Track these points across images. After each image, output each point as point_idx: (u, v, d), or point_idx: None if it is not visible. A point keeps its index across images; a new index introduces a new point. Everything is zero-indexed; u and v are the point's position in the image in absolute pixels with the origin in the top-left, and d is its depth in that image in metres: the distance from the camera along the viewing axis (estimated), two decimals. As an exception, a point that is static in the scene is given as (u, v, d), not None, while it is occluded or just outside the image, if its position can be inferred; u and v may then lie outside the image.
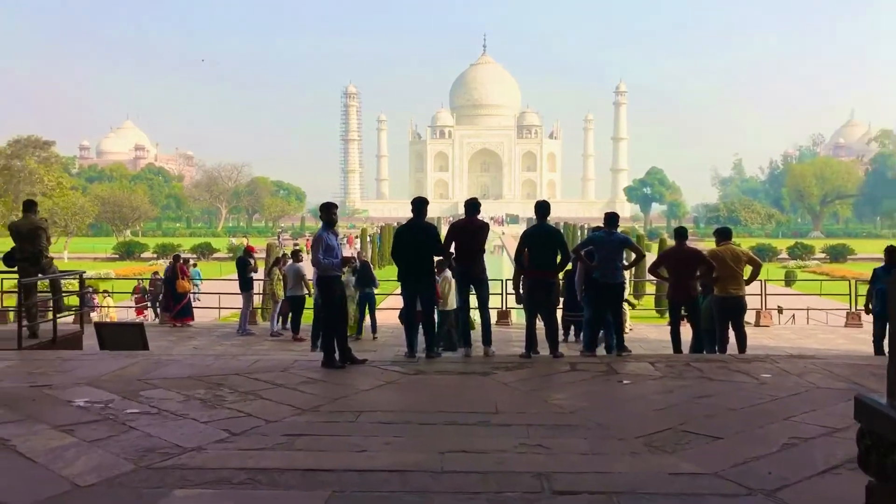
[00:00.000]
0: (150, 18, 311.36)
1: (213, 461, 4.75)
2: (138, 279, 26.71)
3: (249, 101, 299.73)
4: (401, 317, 9.68)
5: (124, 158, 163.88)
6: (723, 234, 10.55)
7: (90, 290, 23.30)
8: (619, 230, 9.64)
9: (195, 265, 33.94)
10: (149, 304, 23.08)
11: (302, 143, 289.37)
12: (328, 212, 8.58)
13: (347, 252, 12.16)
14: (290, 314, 15.73)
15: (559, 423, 5.79)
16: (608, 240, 9.28)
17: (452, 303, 12.22)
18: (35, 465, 4.62)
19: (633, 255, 10.35)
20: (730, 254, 10.08)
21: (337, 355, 8.23)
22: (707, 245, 11.03)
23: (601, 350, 9.87)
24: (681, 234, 10.30)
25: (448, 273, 11.77)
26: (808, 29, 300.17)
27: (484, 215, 9.36)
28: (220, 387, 6.94)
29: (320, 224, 8.70)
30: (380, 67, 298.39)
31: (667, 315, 19.97)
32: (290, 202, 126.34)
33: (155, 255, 53.72)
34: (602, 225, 9.74)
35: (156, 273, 25.95)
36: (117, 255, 58.00)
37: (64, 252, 60.16)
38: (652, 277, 17.57)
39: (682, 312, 10.08)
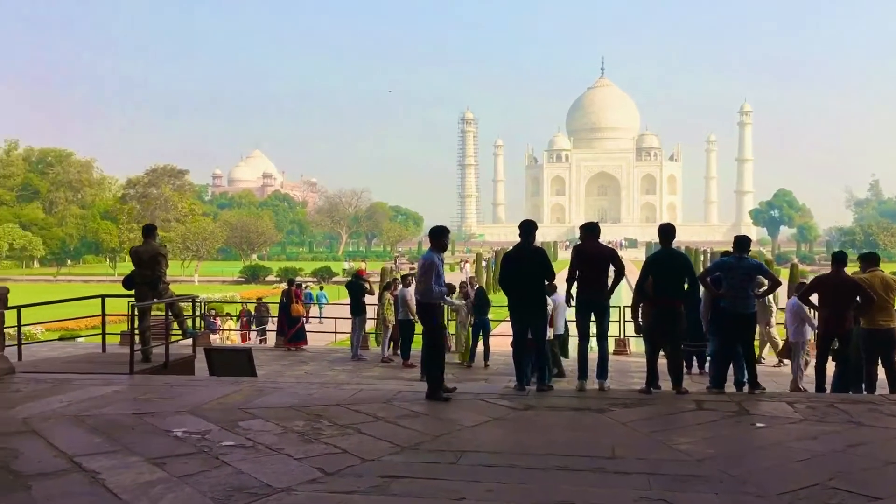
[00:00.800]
0: (277, 54, 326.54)
1: (300, 505, 4.41)
2: (243, 303, 27.33)
3: (370, 128, 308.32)
4: (513, 344, 9.20)
5: (253, 186, 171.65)
6: (869, 260, 9.47)
7: (212, 312, 24.03)
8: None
9: (321, 288, 34.82)
10: (265, 328, 23.43)
11: (420, 169, 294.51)
12: (444, 237, 8.20)
13: (462, 277, 11.79)
14: (401, 340, 15.50)
15: (685, 474, 5.12)
16: (738, 265, 8.44)
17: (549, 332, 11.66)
18: (119, 503, 4.41)
19: (767, 283, 9.41)
20: (879, 281, 9.03)
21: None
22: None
23: (729, 386, 9.00)
24: (839, 259, 9.18)
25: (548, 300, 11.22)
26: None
27: (601, 239, 8.74)
28: (319, 419, 6.65)
29: (428, 248, 8.29)
30: (497, 93, 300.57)
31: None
32: (407, 227, 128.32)
33: (278, 279, 55.32)
34: (731, 249, 8.92)
35: (260, 298, 26.44)
36: (243, 279, 60.19)
37: (195, 275, 63.09)
38: (782, 306, 16.30)
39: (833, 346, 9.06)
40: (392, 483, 4.84)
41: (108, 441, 5.81)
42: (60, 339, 21.12)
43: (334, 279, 55.04)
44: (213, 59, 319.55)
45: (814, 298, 9.42)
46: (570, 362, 13.20)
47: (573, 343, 13.73)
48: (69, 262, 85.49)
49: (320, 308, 27.92)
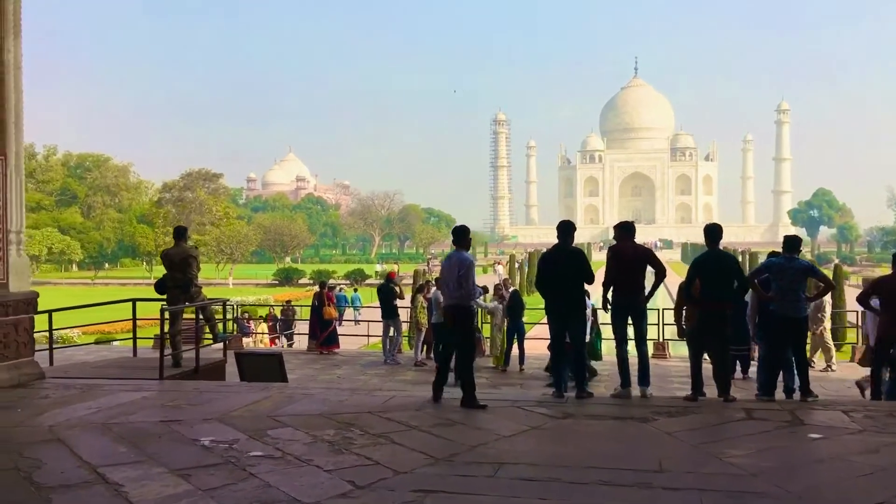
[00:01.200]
0: (313, 59, 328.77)
1: (330, 522, 4.16)
2: (269, 307, 27.20)
3: (402, 130, 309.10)
4: (551, 348, 8.90)
5: (286, 189, 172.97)
6: (927, 260, 8.95)
7: (246, 315, 23.98)
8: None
9: (355, 290, 34.74)
10: (292, 332, 23.29)
11: (452, 171, 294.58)
12: (469, 235, 8.00)
13: (495, 279, 11.53)
14: (434, 343, 15.24)
15: (739, 490, 4.78)
16: (788, 267, 8.03)
17: None
18: (140, 518, 4.21)
19: (820, 285, 8.95)
20: (938, 283, 8.52)
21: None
22: (885, 272, 9.48)
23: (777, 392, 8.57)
24: None
25: None
26: None
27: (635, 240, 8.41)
28: (350, 427, 6.41)
29: (455, 248, 8.03)
30: (529, 94, 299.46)
31: (844, 350, 17.96)
32: (440, 229, 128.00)
33: (311, 281, 55.35)
34: (780, 250, 8.52)
35: (288, 301, 26.32)
36: (277, 282, 60.39)
37: (229, 278, 63.48)
38: (829, 310, 15.74)
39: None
40: (426, 498, 4.58)
41: (133, 450, 5.62)
42: (96, 342, 21.21)
43: (367, 281, 55.03)
44: (248, 64, 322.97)
45: None
46: (602, 365, 12.89)
47: (603, 347, 13.41)
48: (107, 265, 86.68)
49: (355, 310, 27.79)
